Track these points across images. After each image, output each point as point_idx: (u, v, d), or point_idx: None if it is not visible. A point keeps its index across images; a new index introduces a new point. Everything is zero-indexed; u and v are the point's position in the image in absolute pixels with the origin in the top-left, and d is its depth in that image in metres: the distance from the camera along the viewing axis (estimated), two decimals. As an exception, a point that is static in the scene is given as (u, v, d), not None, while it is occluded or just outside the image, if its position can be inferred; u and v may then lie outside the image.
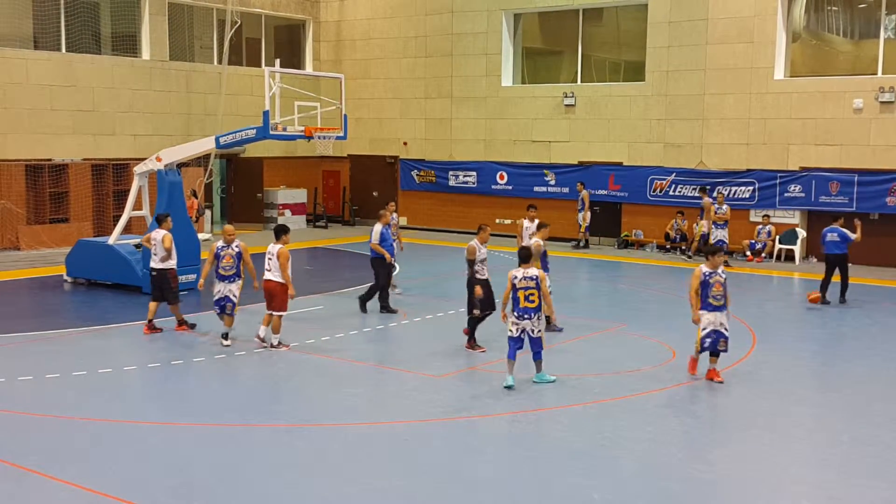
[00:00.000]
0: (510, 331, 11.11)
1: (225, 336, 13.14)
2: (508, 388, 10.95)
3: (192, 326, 14.08)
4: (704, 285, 11.38)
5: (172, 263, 13.89)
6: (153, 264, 13.93)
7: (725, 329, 11.44)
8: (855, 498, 8.14)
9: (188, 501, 7.92)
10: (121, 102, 24.77)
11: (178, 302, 14.09)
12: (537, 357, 11.22)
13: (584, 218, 24.62)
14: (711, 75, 23.32)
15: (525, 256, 11.27)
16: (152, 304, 13.90)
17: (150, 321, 13.88)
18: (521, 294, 11.01)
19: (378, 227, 15.56)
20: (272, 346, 12.93)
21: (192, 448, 9.22)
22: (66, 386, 11.22)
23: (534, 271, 11.09)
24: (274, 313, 12.94)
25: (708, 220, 21.98)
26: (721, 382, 11.40)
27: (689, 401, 10.93)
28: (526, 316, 11.02)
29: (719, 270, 11.48)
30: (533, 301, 11.00)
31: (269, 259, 12.97)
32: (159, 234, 13.88)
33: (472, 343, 13.00)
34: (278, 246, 12.96)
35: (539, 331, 11.07)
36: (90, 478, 8.24)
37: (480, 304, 12.81)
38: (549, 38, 28.26)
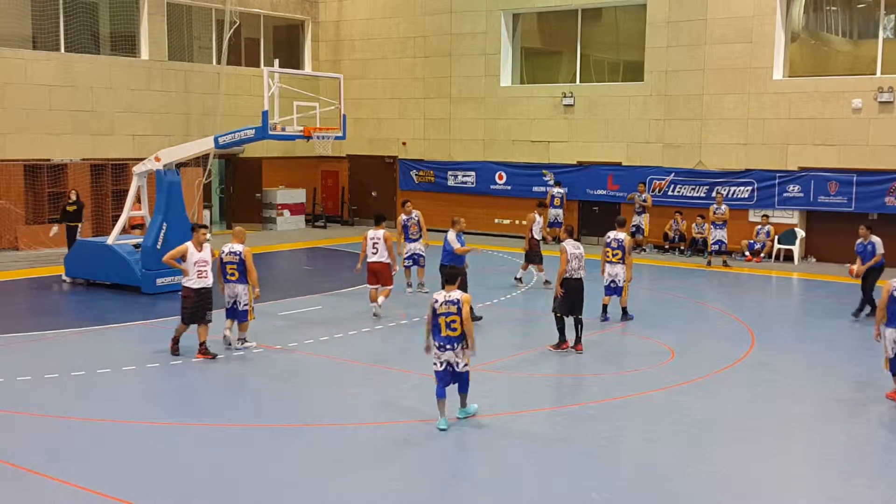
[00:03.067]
0: (434, 364, 9.78)
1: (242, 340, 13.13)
2: (442, 430, 9.59)
3: (214, 356, 12.53)
4: (892, 301, 10.76)
5: (185, 280, 12.50)
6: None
7: None
8: (855, 498, 8.14)
9: (187, 502, 7.92)
10: (119, 102, 24.75)
11: (184, 324, 12.60)
12: (463, 390, 9.88)
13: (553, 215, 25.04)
14: (710, 75, 23.32)
15: (450, 277, 9.91)
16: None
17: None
18: (441, 321, 9.64)
19: (452, 235, 15.21)
20: (379, 305, 15.09)
21: (192, 448, 9.22)
22: (65, 386, 11.21)
23: (456, 294, 9.67)
24: (381, 287, 15.18)
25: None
26: None
27: (688, 401, 10.93)
28: (448, 346, 9.63)
29: None
30: (455, 329, 9.60)
31: (376, 243, 15.13)
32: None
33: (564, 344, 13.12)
34: (381, 231, 15.18)
35: (465, 364, 9.72)
36: (89, 478, 8.23)
37: (560, 304, 13.07)
38: (548, 39, 28.26)
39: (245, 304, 12.78)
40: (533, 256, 18.17)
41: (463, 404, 9.96)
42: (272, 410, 10.51)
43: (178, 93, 26.04)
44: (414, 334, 14.44)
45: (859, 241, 15.82)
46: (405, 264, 17.38)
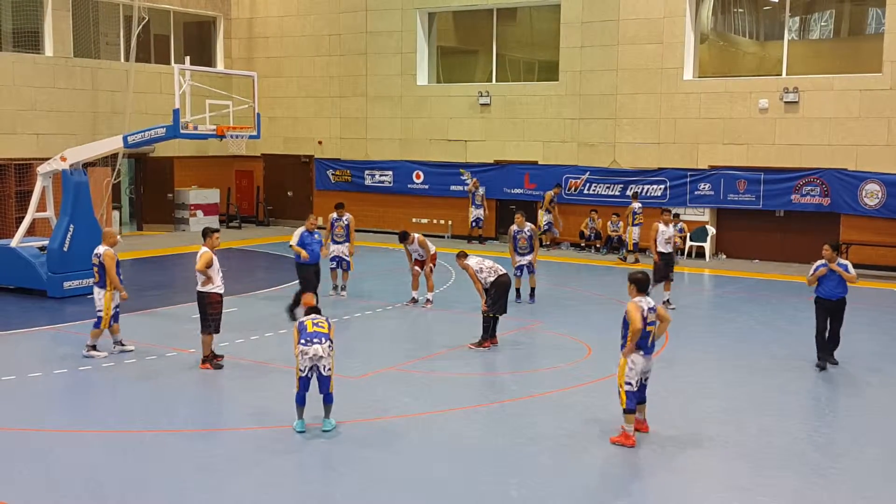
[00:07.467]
0: (300, 369, 9.33)
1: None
2: (300, 433, 9.41)
3: (219, 367, 11.95)
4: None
5: (213, 287, 11.78)
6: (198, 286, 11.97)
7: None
8: (763, 489, 8.33)
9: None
10: (22, 101, 23.87)
11: (211, 333, 11.94)
12: (328, 401, 9.48)
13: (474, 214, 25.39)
14: (623, 75, 23.71)
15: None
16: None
17: (205, 356, 12.04)
18: (307, 322, 9.45)
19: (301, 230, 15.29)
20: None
21: (101, 456, 8.92)
22: (-35, 396, 10.74)
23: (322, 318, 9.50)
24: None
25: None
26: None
27: (604, 397, 11.04)
28: (315, 340, 9.26)
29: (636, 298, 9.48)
30: (322, 326, 9.39)
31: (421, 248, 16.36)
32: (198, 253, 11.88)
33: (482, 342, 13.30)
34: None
35: (330, 368, 9.36)
36: (-10, 491, 7.90)
37: (498, 306, 13.24)
38: (464, 38, 28.35)
39: (99, 311, 12.36)
40: (660, 273, 16.30)
41: (327, 413, 9.52)
42: (184, 415, 10.29)
43: (84, 90, 25.25)
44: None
45: (822, 262, 12.25)
46: (330, 266, 17.17)
